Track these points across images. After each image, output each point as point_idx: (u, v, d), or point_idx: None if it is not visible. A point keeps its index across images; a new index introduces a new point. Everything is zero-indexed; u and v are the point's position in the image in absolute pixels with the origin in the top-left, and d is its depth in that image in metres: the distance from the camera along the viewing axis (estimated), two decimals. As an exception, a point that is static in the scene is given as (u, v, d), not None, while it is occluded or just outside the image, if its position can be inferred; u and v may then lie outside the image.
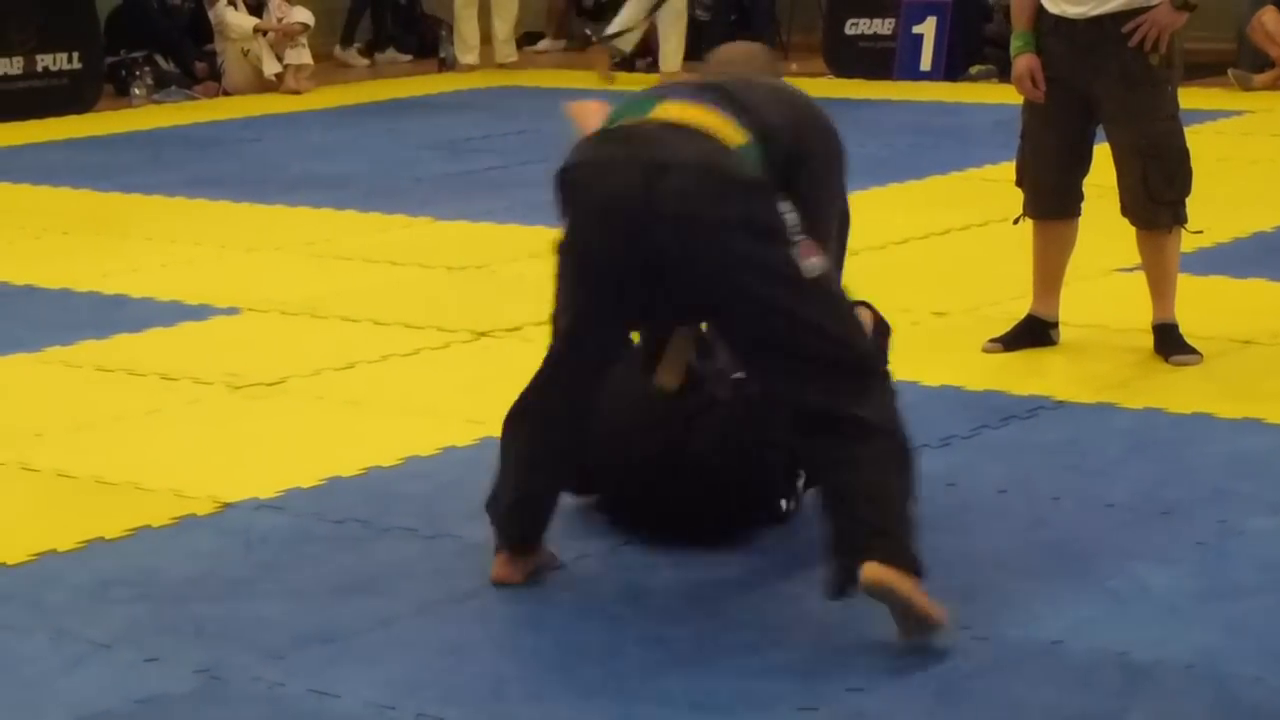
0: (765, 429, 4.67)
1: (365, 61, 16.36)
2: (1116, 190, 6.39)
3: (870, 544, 4.14)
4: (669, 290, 4.27)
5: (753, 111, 4.36)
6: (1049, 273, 6.54)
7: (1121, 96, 6.19)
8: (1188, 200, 6.38)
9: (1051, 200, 6.47)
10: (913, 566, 4.16)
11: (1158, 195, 6.30)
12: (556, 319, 4.48)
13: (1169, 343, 6.39)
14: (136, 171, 10.98)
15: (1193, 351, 6.35)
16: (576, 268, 4.37)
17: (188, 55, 14.74)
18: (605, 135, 4.48)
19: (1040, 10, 6.35)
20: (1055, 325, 6.53)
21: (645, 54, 15.36)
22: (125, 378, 6.58)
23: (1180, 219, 6.38)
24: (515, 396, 4.58)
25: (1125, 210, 6.38)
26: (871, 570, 4.12)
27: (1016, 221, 6.63)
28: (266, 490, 5.32)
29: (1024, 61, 6.34)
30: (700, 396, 4.79)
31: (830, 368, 4.19)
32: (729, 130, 4.30)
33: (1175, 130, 6.31)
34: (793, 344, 4.21)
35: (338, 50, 16.41)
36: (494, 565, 4.61)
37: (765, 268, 4.18)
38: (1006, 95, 7.91)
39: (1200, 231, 6.66)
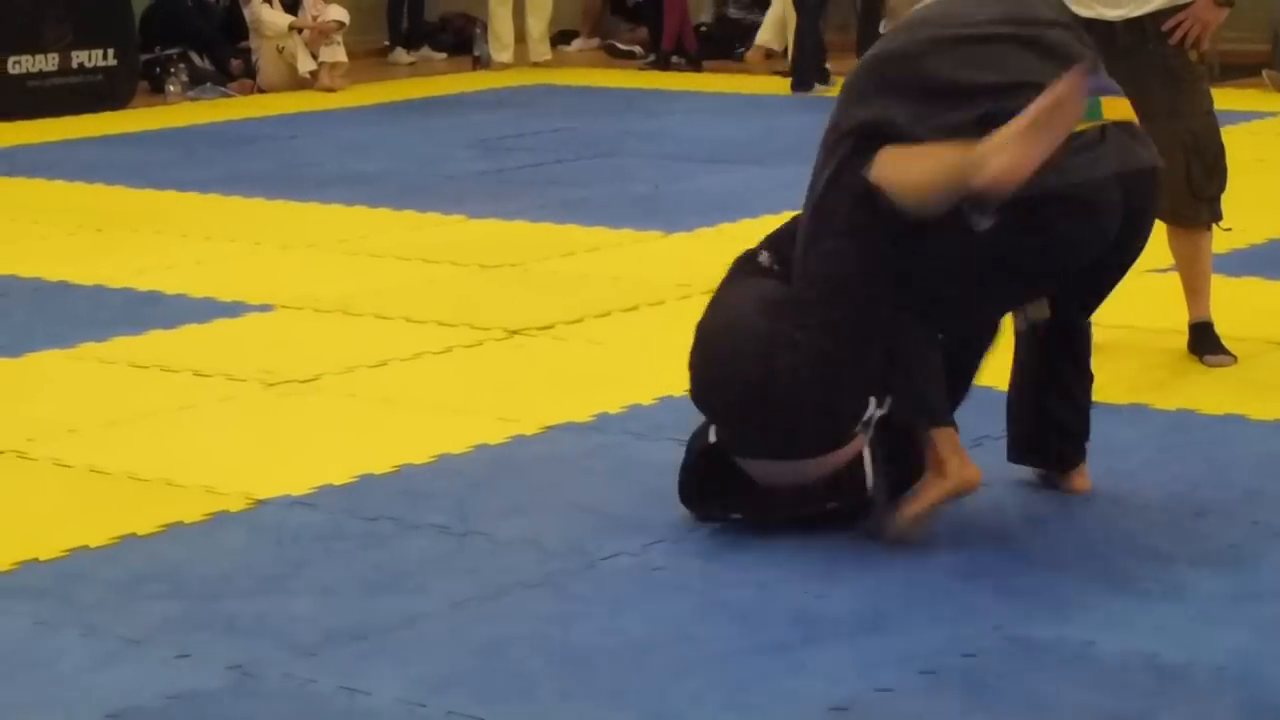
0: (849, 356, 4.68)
1: (410, 60, 16.37)
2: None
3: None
4: None
5: None
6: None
7: (1164, 94, 6.16)
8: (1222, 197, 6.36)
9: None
10: None
11: (1200, 191, 6.28)
12: None
13: (1206, 342, 6.37)
14: (171, 168, 11.01)
15: (1227, 353, 6.33)
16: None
17: (223, 52, 14.77)
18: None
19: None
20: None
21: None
22: (159, 374, 6.59)
23: (1217, 216, 6.37)
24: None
25: (1161, 212, 6.32)
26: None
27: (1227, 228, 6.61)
28: (299, 487, 5.33)
29: None
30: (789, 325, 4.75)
31: None
32: None
33: (1214, 125, 6.30)
34: None
35: (392, 53, 16.41)
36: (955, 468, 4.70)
37: None
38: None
39: (1230, 229, 6.63)
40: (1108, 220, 4.69)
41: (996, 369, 6.00)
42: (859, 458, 4.79)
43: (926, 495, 4.78)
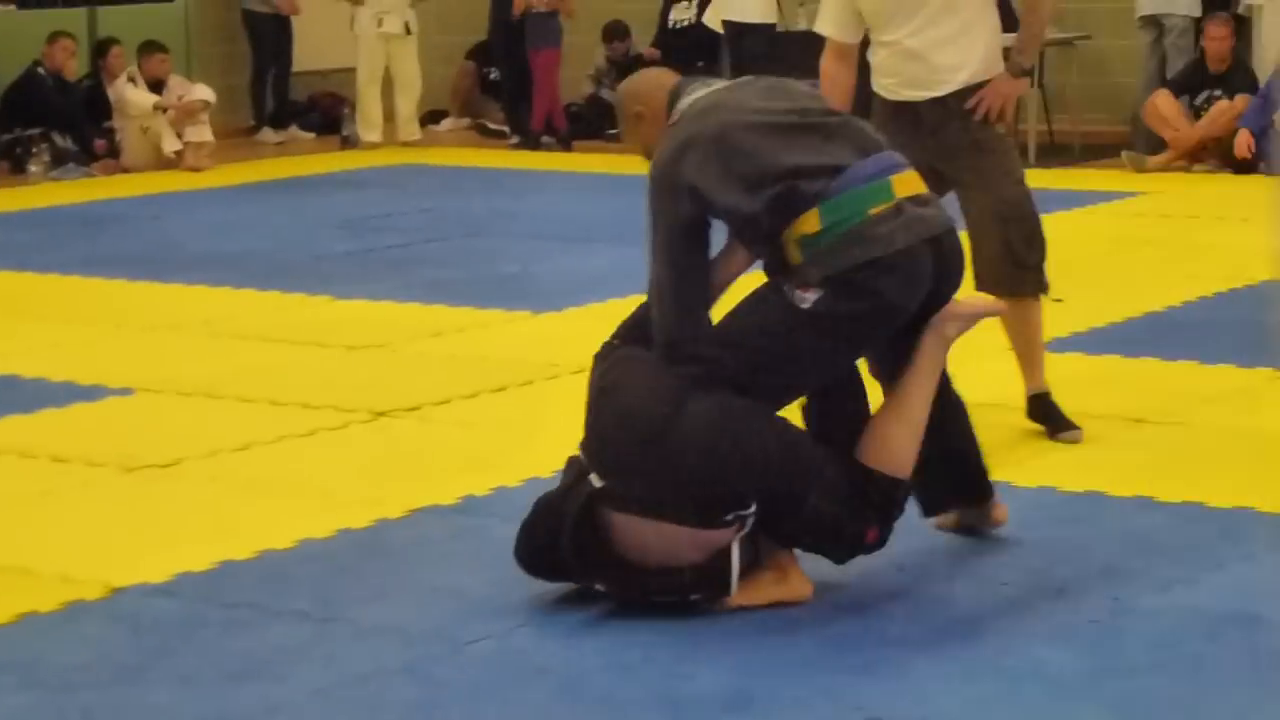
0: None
1: (278, 139, 16.33)
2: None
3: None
4: None
5: None
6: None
7: (974, 164, 6.26)
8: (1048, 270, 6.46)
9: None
10: None
11: (1021, 260, 6.36)
12: None
13: (1048, 417, 6.47)
14: (32, 250, 10.89)
15: (1073, 426, 6.43)
16: None
17: (86, 132, 14.65)
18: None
19: (869, 94, 6.40)
20: None
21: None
22: (16, 460, 6.51)
23: (1043, 286, 6.47)
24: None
25: (985, 283, 6.37)
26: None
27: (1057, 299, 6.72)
28: (158, 574, 5.26)
29: None
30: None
31: None
32: None
33: (1026, 194, 6.40)
34: None
35: (259, 133, 16.38)
36: None
37: None
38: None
39: (1060, 300, 6.72)
40: (920, 283, 4.92)
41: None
42: (726, 556, 4.82)
43: (760, 593, 4.90)
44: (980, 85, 6.29)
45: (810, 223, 4.84)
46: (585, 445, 4.98)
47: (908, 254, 4.87)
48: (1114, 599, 4.95)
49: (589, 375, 5.11)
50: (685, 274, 4.93)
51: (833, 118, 5.07)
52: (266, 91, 16.46)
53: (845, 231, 4.82)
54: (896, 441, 4.95)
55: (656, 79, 5.19)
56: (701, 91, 5.03)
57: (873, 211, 4.85)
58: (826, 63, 6.44)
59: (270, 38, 16.29)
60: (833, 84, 6.37)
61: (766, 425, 4.87)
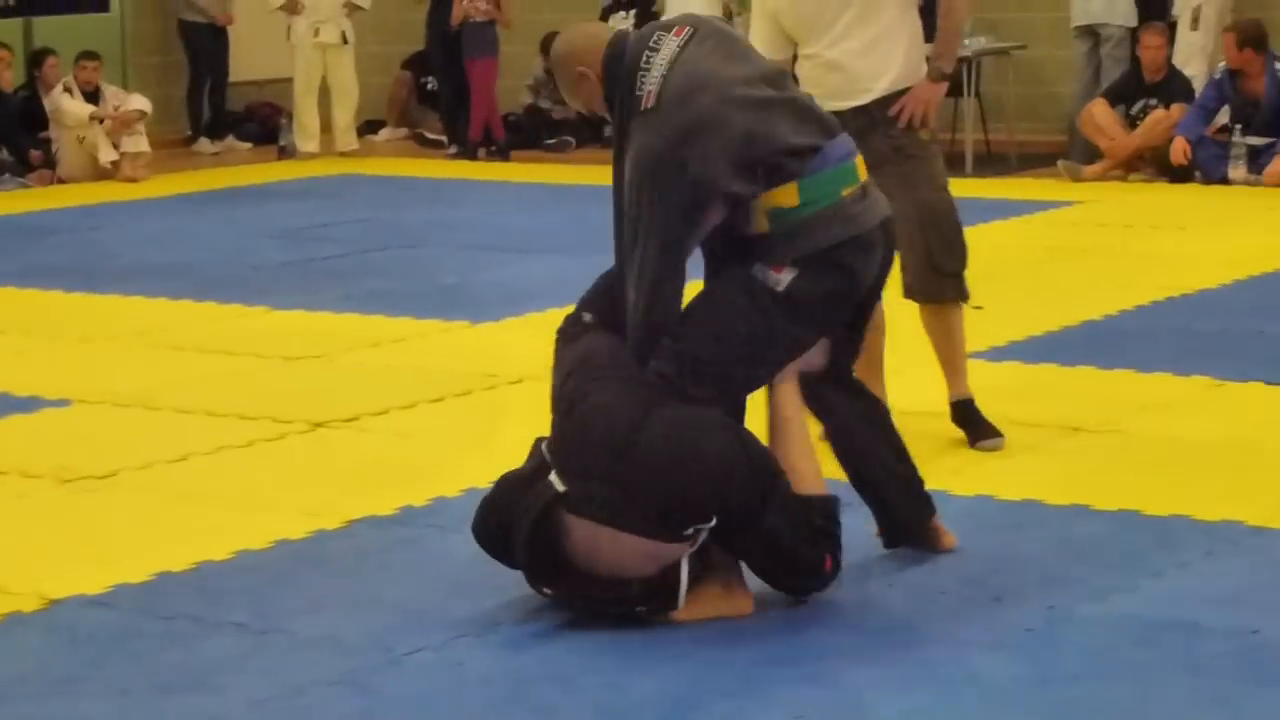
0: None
1: (215, 150, 16.29)
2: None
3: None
4: None
5: None
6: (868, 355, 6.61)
7: (898, 170, 6.28)
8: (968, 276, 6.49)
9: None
10: None
11: (941, 266, 6.41)
12: None
13: (971, 422, 6.51)
14: (-33, 261, 10.84)
15: (996, 434, 6.48)
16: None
17: (22, 143, 14.57)
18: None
19: None
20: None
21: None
22: (-49, 472, 6.48)
23: (964, 294, 6.51)
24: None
25: (910, 291, 6.46)
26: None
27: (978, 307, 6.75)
28: (94, 586, 5.24)
29: None
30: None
31: None
32: None
33: (949, 201, 6.45)
34: None
35: (196, 143, 16.34)
36: None
37: None
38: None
39: (981, 307, 6.75)
40: (878, 265, 5.09)
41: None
42: (675, 570, 4.83)
43: (705, 607, 4.91)
44: (902, 92, 6.33)
45: (788, 196, 4.90)
46: (551, 447, 4.98)
47: (871, 235, 5.02)
48: (1050, 607, 4.96)
49: (554, 356, 5.11)
50: (678, 259, 4.93)
51: (798, 93, 5.15)
52: (203, 102, 16.42)
53: (820, 210, 4.92)
54: (801, 463, 5.02)
55: (594, 35, 5.14)
56: (660, 61, 4.94)
57: (845, 193, 4.98)
58: None
59: (206, 48, 16.25)
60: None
61: (733, 439, 4.87)
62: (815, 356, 5.13)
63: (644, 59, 4.95)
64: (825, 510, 4.96)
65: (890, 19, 6.32)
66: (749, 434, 4.96)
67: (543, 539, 4.85)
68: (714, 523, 4.81)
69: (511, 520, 4.91)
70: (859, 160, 5.09)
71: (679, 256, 4.92)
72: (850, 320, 5.17)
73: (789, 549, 4.89)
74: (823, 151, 4.96)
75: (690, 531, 4.80)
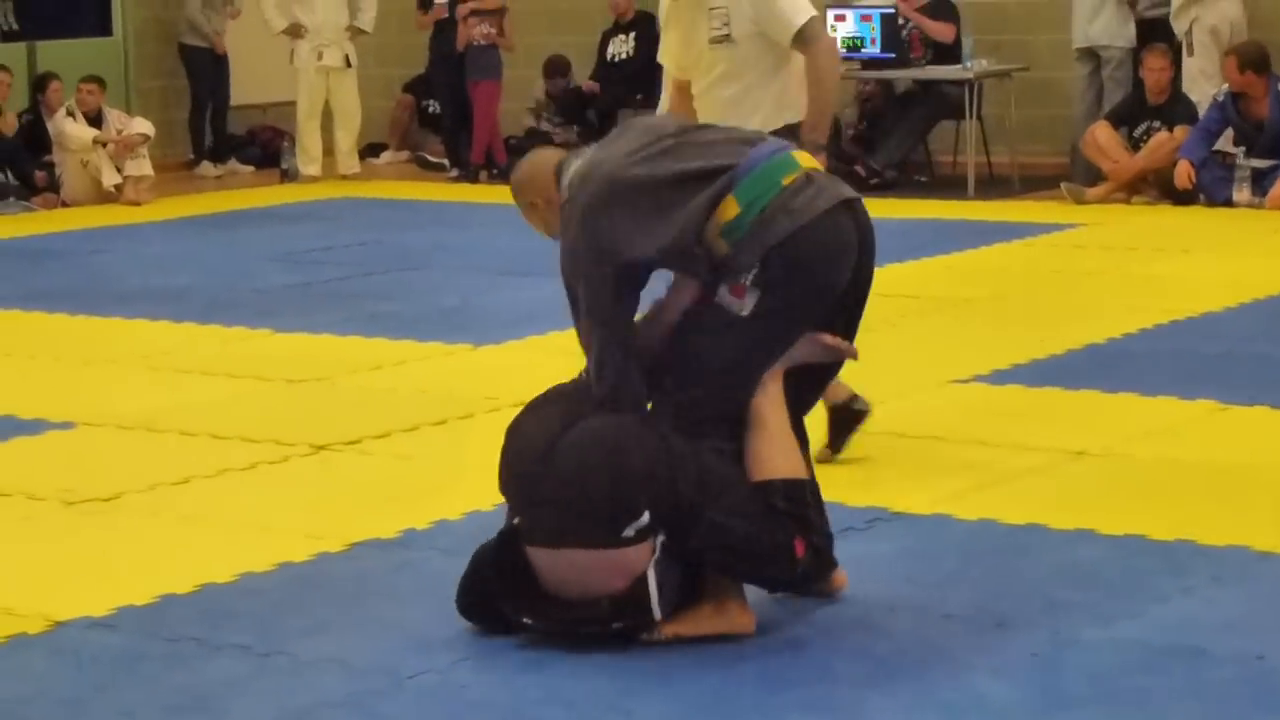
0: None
1: (217, 173, 16.31)
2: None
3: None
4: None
5: None
6: None
7: None
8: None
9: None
10: None
11: None
12: None
13: (838, 428, 6.56)
14: (-29, 284, 10.85)
15: (838, 450, 6.54)
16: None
17: (25, 166, 14.59)
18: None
19: None
20: (853, 397, 6.55)
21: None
22: (-45, 494, 6.48)
23: None
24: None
25: None
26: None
27: None
28: (99, 608, 5.24)
29: None
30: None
31: None
32: None
33: None
34: None
35: (198, 166, 16.38)
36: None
37: None
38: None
39: None
40: (846, 250, 4.97)
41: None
42: (644, 583, 4.81)
43: (699, 624, 4.90)
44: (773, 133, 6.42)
45: (729, 209, 4.88)
46: (499, 480, 5.04)
47: (829, 217, 4.91)
48: (1055, 632, 4.96)
49: None
50: (616, 332, 4.95)
51: (704, 132, 5.18)
52: (204, 125, 16.43)
53: (765, 206, 4.87)
54: (765, 452, 4.94)
55: (541, 163, 5.22)
56: (577, 161, 5.08)
57: (785, 182, 4.91)
58: (667, 94, 6.73)
59: (208, 72, 16.26)
60: (673, 114, 6.63)
61: (648, 439, 4.84)
62: (800, 348, 5.02)
63: (568, 165, 5.08)
64: (789, 493, 4.90)
65: (754, 78, 6.48)
66: (676, 438, 4.87)
67: (508, 573, 4.87)
68: (647, 519, 4.77)
69: (480, 577, 4.97)
70: (797, 153, 5.05)
71: (617, 329, 4.94)
72: (842, 314, 5.06)
73: (743, 540, 4.84)
74: (746, 158, 4.93)
75: (631, 533, 4.78)
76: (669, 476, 4.79)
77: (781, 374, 5.01)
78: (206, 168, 16.36)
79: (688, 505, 4.79)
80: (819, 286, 4.94)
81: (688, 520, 4.81)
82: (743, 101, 6.45)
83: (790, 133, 6.33)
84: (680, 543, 4.84)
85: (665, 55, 6.73)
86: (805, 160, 5.04)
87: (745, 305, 4.88)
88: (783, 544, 4.88)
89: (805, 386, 5.14)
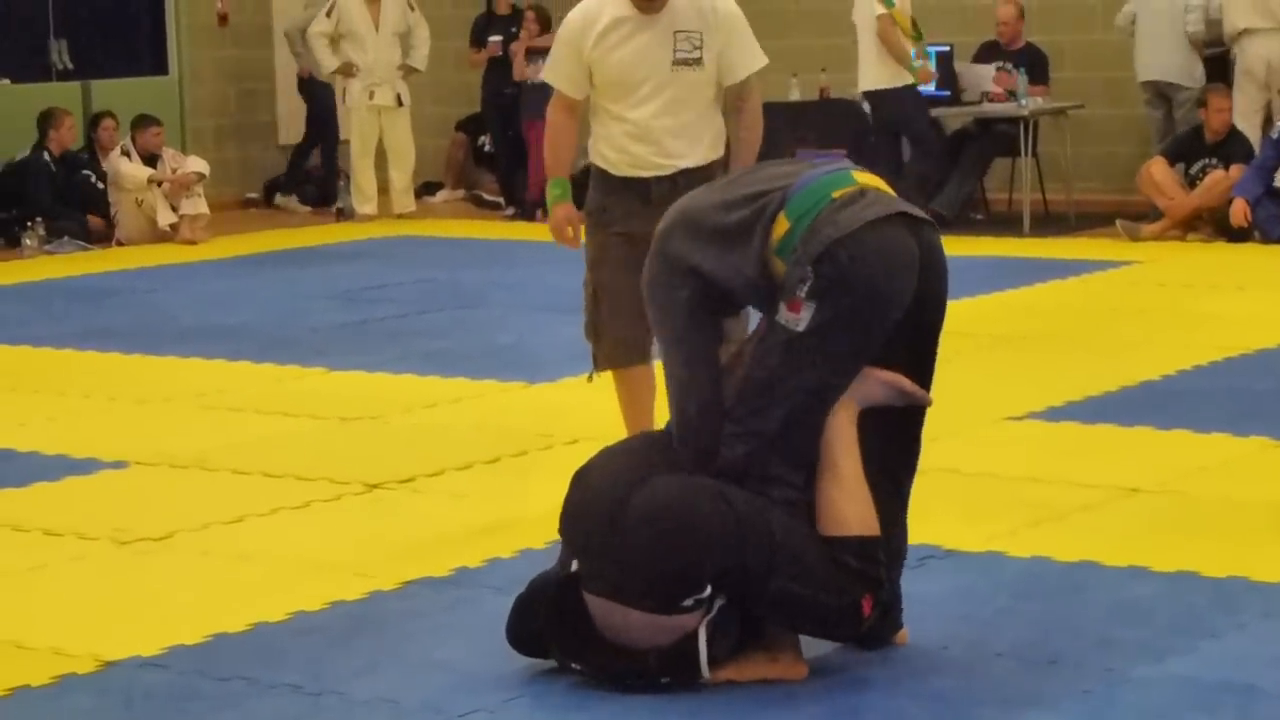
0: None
1: (305, 208, 16.45)
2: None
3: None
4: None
5: None
6: (643, 416, 6.62)
7: None
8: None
9: (634, 349, 6.57)
10: None
11: None
12: None
13: None
14: (26, 324, 10.91)
15: None
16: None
17: (76, 220, 14.62)
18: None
19: (591, 169, 6.59)
20: None
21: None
22: (9, 533, 6.50)
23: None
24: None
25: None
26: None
27: (591, 378, 6.79)
28: (150, 648, 5.25)
29: (562, 212, 6.65)
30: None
31: None
32: None
33: None
34: None
35: (279, 198, 16.56)
36: None
37: None
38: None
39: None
40: (904, 263, 4.84)
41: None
42: (693, 639, 4.79)
43: (751, 669, 4.87)
44: (704, 167, 6.43)
45: (780, 227, 4.86)
46: (559, 526, 5.01)
47: (880, 226, 4.82)
48: (1108, 669, 4.93)
49: None
50: (691, 353, 4.95)
51: (771, 165, 5.17)
52: (302, 160, 16.56)
53: (814, 219, 4.82)
54: (839, 504, 4.87)
55: None
56: None
57: (836, 195, 4.86)
58: (556, 114, 6.66)
59: (325, 105, 16.33)
60: (562, 133, 6.65)
61: (720, 505, 4.77)
62: (872, 389, 4.94)
63: None
64: (861, 551, 4.84)
65: (701, 108, 6.48)
66: (747, 501, 4.81)
67: (566, 615, 4.85)
68: (708, 592, 4.74)
69: (535, 608, 4.95)
70: (859, 172, 5.00)
71: (695, 358, 4.95)
72: (913, 343, 4.97)
73: (809, 604, 4.79)
74: (802, 177, 4.92)
75: (690, 603, 4.75)
76: (738, 550, 4.74)
77: (854, 415, 4.92)
78: (291, 201, 16.52)
79: (754, 579, 4.76)
80: (875, 296, 4.80)
81: (754, 591, 4.78)
82: (689, 129, 6.45)
83: (712, 170, 6.40)
84: (744, 607, 4.82)
85: (556, 75, 6.60)
86: (864, 178, 4.98)
87: (802, 320, 4.78)
88: (848, 605, 4.82)
89: (894, 445, 5.03)
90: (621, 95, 6.47)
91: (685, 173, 6.39)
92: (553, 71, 6.63)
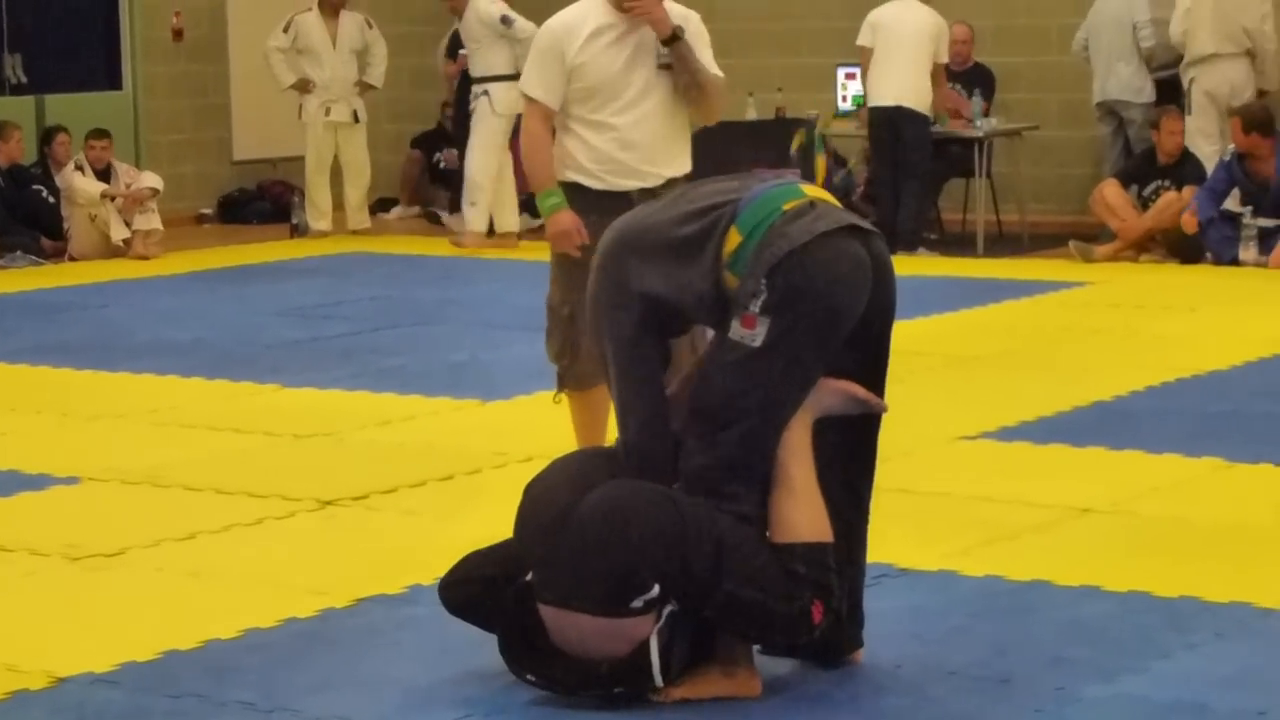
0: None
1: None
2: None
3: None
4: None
5: None
6: (596, 436, 6.67)
7: None
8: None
9: (603, 369, 6.59)
10: None
11: None
12: None
13: None
14: (-21, 338, 10.86)
15: None
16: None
17: (50, 222, 14.57)
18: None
19: (567, 183, 6.62)
20: None
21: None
22: (-39, 549, 6.47)
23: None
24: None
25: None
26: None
27: (557, 399, 6.81)
28: (102, 664, 5.23)
29: (568, 218, 6.57)
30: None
31: None
32: None
33: None
34: None
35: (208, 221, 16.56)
36: None
37: None
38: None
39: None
40: (856, 273, 4.86)
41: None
42: (645, 650, 4.79)
43: (705, 687, 4.86)
44: (681, 179, 6.48)
45: (732, 240, 4.86)
46: (514, 537, 5.03)
47: (832, 239, 4.83)
48: (1059, 688, 4.94)
49: None
50: (637, 378, 4.96)
51: (718, 180, 5.14)
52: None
53: (765, 231, 4.82)
54: (789, 511, 4.86)
55: None
56: None
57: (786, 207, 4.87)
58: (534, 126, 6.67)
59: None
60: (542, 145, 6.63)
61: (665, 504, 4.79)
62: (827, 398, 4.94)
63: None
64: (810, 557, 4.82)
65: (681, 119, 6.57)
66: (695, 505, 4.81)
67: (517, 629, 4.87)
68: (656, 592, 4.74)
69: (483, 593, 5.00)
70: (808, 186, 5.03)
71: (639, 377, 4.96)
72: (865, 354, 4.98)
73: (759, 609, 4.78)
74: (752, 190, 4.93)
75: (639, 604, 4.75)
76: (681, 553, 4.73)
77: (808, 425, 4.92)
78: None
79: (701, 580, 4.75)
80: (830, 307, 4.81)
81: (701, 593, 4.77)
82: (676, 139, 6.55)
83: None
84: (693, 612, 4.82)
85: (534, 85, 6.61)
86: (812, 191, 5.00)
87: (757, 335, 4.78)
88: (799, 611, 4.82)
89: (851, 455, 5.06)
90: (606, 102, 6.51)
91: (670, 184, 6.42)
92: (531, 82, 6.64)
